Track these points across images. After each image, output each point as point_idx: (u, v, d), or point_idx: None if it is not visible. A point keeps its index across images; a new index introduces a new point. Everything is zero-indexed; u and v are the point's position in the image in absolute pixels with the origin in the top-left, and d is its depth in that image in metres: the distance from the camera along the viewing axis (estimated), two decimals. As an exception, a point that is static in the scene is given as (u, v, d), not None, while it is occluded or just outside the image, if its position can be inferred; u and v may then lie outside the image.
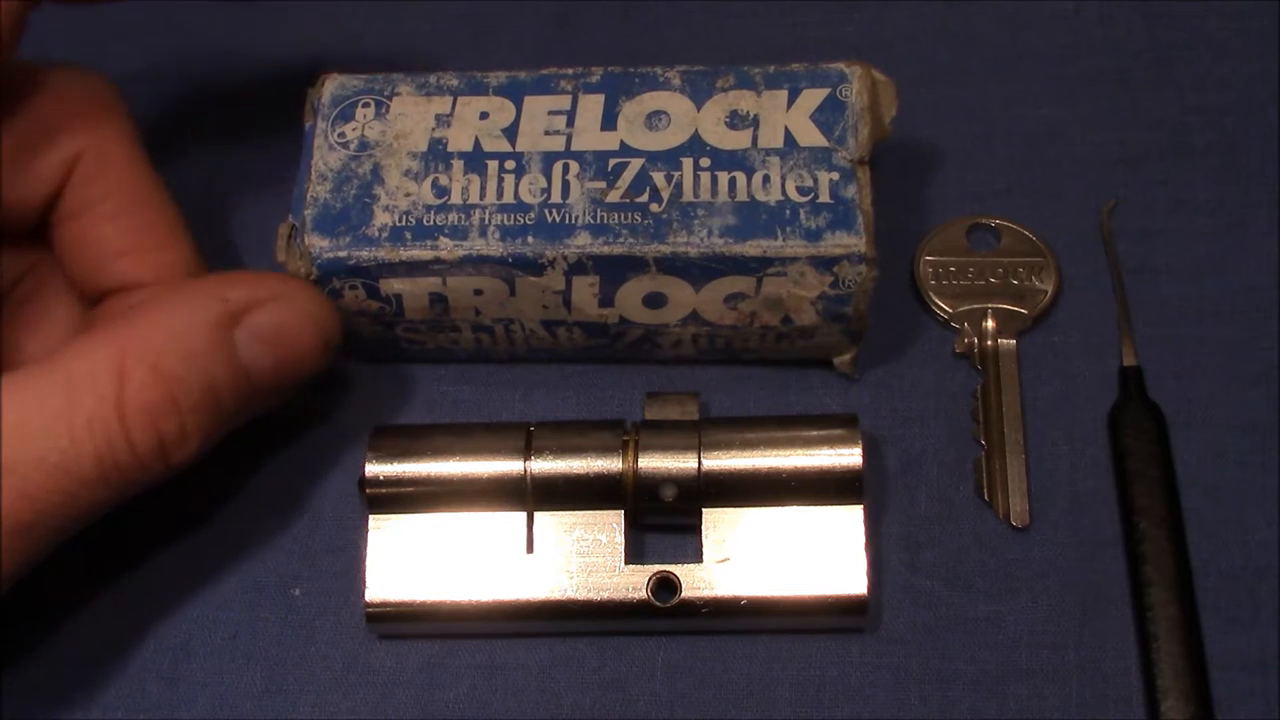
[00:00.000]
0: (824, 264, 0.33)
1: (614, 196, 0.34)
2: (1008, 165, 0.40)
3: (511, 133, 0.35)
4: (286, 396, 0.33)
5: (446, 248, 0.33)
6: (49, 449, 0.29)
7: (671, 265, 0.33)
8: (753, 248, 0.33)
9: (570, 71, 0.36)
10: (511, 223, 0.33)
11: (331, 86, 0.36)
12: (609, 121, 0.35)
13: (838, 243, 0.33)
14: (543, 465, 0.33)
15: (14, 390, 0.29)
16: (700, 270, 0.33)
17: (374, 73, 0.36)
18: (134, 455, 0.30)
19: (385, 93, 0.36)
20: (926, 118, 0.41)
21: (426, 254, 0.33)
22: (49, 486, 0.29)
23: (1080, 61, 0.42)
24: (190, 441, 0.31)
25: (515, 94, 0.35)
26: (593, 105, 0.35)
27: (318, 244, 0.34)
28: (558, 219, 0.33)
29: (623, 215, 0.33)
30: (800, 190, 0.33)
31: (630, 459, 0.33)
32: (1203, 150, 0.40)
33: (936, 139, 0.40)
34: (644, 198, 0.34)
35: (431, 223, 0.34)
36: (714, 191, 0.34)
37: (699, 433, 0.34)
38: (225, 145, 0.41)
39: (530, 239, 0.33)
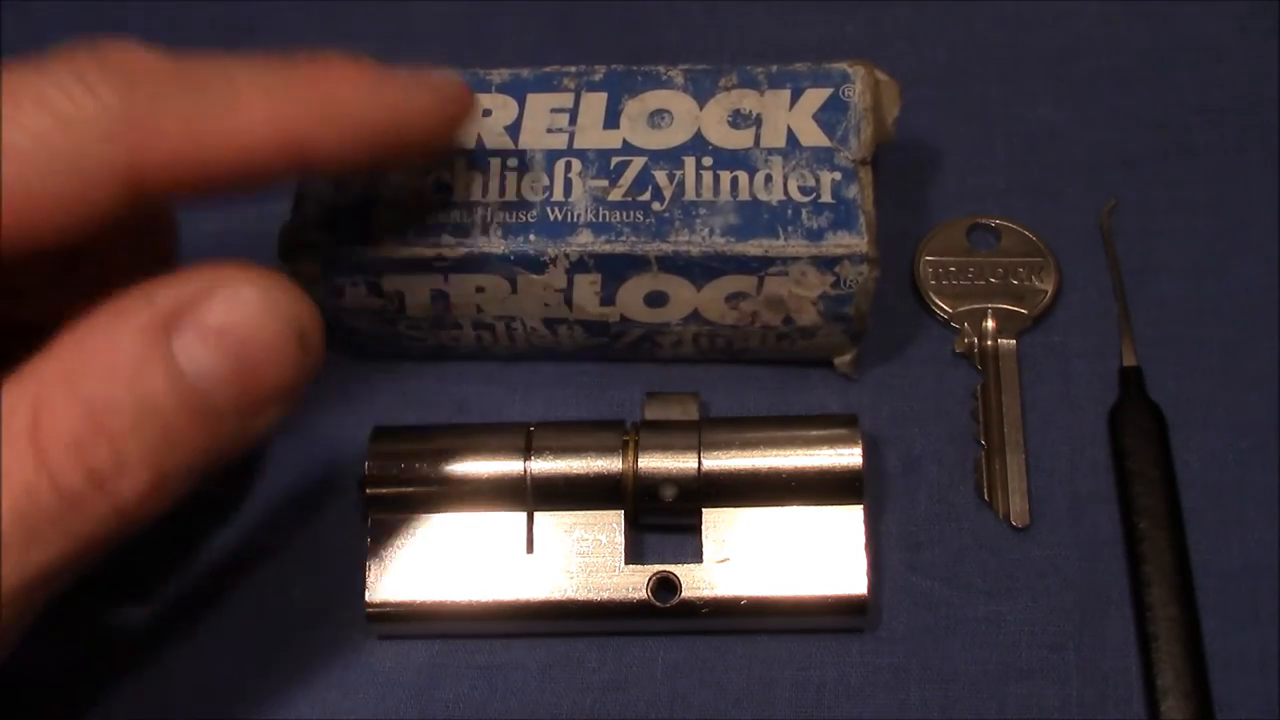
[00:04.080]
0: (825, 264, 0.33)
1: (616, 195, 0.34)
2: (1008, 165, 0.40)
3: (514, 130, 0.35)
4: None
5: (449, 245, 0.33)
6: None
7: (673, 264, 0.33)
8: (754, 247, 0.33)
9: (573, 69, 0.36)
10: (513, 220, 0.34)
11: None
12: (611, 119, 0.35)
13: (839, 243, 0.33)
14: (543, 465, 0.33)
15: None
16: (701, 269, 0.33)
17: None
18: (58, 492, 0.24)
19: None
20: (926, 118, 0.40)
21: (429, 251, 0.33)
22: None
23: (1080, 61, 0.42)
24: (134, 470, 0.25)
25: (518, 91, 0.35)
26: (595, 103, 0.35)
27: (320, 241, 0.34)
28: (560, 217, 0.34)
29: (625, 213, 0.33)
30: (802, 190, 0.33)
31: (630, 459, 0.33)
32: (1203, 150, 0.40)
33: (936, 139, 0.40)
34: (646, 196, 0.34)
35: (434, 220, 0.34)
36: (716, 190, 0.34)
37: (699, 433, 0.34)
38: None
39: (532, 237, 0.33)
